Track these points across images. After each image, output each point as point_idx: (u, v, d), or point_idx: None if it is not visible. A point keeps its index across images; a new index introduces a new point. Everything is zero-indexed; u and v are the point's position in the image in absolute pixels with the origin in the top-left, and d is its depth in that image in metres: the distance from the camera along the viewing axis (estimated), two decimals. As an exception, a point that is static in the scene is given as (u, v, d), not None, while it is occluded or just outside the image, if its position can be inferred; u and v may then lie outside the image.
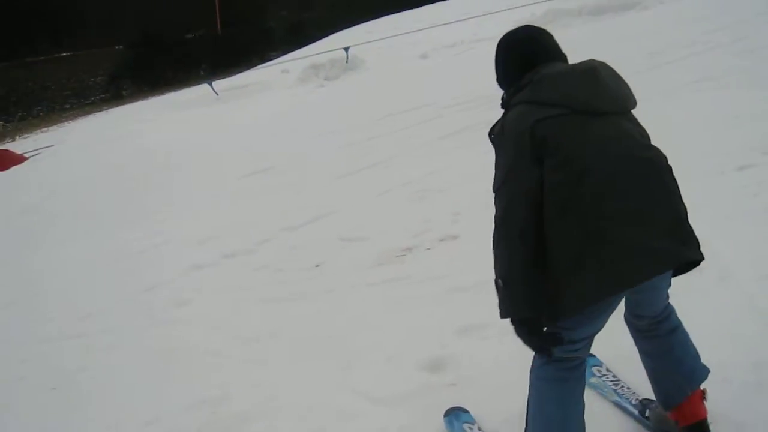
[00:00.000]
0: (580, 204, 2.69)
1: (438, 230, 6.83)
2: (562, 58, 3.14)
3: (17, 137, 36.62)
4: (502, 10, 23.25)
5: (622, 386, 3.82)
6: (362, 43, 23.87)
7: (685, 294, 4.45)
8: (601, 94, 2.86)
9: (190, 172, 12.61)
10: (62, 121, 39.37)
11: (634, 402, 3.66)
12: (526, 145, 2.74)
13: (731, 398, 3.48)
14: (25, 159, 21.92)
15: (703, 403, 3.20)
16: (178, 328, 6.09)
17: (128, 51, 62.73)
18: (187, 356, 5.49)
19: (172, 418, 4.57)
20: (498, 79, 3.21)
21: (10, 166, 20.62)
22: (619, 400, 3.73)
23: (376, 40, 24.95)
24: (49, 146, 23.50)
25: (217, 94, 23.48)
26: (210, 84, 24.44)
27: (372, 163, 9.97)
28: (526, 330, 2.84)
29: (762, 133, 7.04)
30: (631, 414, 3.64)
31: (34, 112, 61.49)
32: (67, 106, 61.57)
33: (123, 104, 41.48)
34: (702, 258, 2.94)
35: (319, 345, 5.10)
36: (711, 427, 3.27)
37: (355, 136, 12.00)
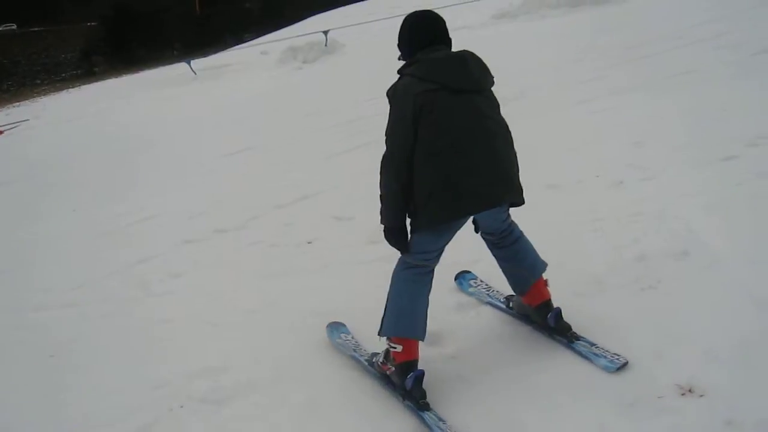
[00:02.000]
0: (437, 155, 3.80)
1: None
2: (448, 42, 4.11)
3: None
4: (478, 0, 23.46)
5: (493, 290, 5.08)
6: (340, 27, 23.94)
7: (676, 279, 4.66)
8: (465, 76, 3.89)
9: (173, 149, 12.67)
10: (34, 96, 38.95)
11: (501, 300, 4.91)
12: (408, 110, 3.81)
13: (723, 374, 3.68)
14: (1, 133, 21.81)
15: (546, 288, 4.38)
16: (175, 299, 6.18)
17: (100, 28, 61.95)
18: (186, 326, 5.58)
19: (178, 384, 4.66)
20: (398, 48, 4.16)
21: (-13, 137, 20.58)
22: (491, 300, 4.99)
23: (354, 25, 25.04)
24: (24, 120, 23.37)
25: (195, 74, 23.45)
26: (188, 63, 24.40)
27: (359, 144, 10.07)
28: (393, 235, 4.02)
29: (745, 125, 7.25)
30: (500, 308, 4.87)
31: (3, 87, 60.95)
32: (38, 81, 61.00)
33: (95, 81, 41.15)
34: (522, 202, 4.12)
35: (319, 318, 5.19)
36: (705, 401, 3.59)
37: (340, 117, 12.13)
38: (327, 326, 5.00)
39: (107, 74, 48.18)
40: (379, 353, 4.30)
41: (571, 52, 12.89)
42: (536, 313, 4.39)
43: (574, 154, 7.66)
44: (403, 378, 4.01)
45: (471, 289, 5.19)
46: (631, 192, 6.37)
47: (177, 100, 19.27)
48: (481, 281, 5.22)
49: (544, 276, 4.38)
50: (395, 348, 4.06)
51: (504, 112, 4.10)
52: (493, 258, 4.49)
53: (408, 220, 4.00)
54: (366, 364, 4.46)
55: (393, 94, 3.94)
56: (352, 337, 4.85)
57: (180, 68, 25.21)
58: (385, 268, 5.80)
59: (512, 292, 4.61)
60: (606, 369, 3.93)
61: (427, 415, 3.89)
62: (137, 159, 12.36)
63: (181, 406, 4.43)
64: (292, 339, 5.01)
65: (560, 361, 4.16)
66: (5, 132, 21.93)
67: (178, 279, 6.59)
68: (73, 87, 40.48)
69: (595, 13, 18.29)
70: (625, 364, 3.92)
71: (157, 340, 5.45)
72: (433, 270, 4.15)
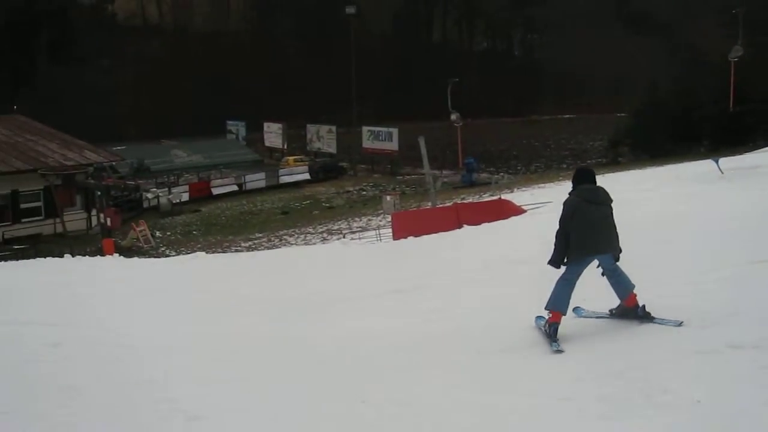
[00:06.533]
0: (580, 230, 8.16)
1: None
2: (593, 181, 8.42)
3: (515, 189, 38.32)
4: None
5: (597, 312, 8.85)
6: None
7: None
8: (596, 196, 8.28)
9: (688, 246, 12.08)
10: (559, 180, 40.46)
11: (605, 313, 8.71)
12: (569, 214, 8.28)
13: None
14: (524, 211, 22.92)
15: (635, 296, 8.28)
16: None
17: (630, 119, 62.77)
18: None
19: None
20: (571, 182, 8.64)
21: (510, 216, 21.72)
22: (599, 315, 8.78)
23: None
24: (548, 202, 24.30)
25: (722, 173, 22.71)
26: (716, 161, 23.74)
27: None
28: (555, 264, 8.40)
29: None
30: (605, 317, 8.68)
31: (532, 168, 64.66)
32: (564, 165, 63.83)
33: (619, 171, 41.69)
34: (617, 256, 8.27)
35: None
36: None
37: None
38: (535, 317, 8.77)
39: (631, 165, 48.73)
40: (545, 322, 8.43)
41: None
42: (632, 310, 8.34)
43: None
44: (549, 329, 8.27)
45: (583, 314, 8.93)
46: None
47: (699, 198, 18.73)
48: (588, 309, 8.94)
49: (634, 291, 8.29)
50: (549, 315, 8.33)
51: None
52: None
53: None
54: (540, 326, 8.57)
55: (565, 202, 8.43)
56: (544, 320, 8.48)
57: (706, 166, 24.62)
58: None
59: (610, 309, 8.65)
60: (672, 325, 7.94)
61: (553, 343, 8.14)
62: (663, 248, 12.00)
63: None
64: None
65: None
66: (528, 211, 23.03)
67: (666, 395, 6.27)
68: (597, 174, 41.45)
69: None
70: (681, 323, 7.91)
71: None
72: (575, 282, 8.29)
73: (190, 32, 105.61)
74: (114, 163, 52.04)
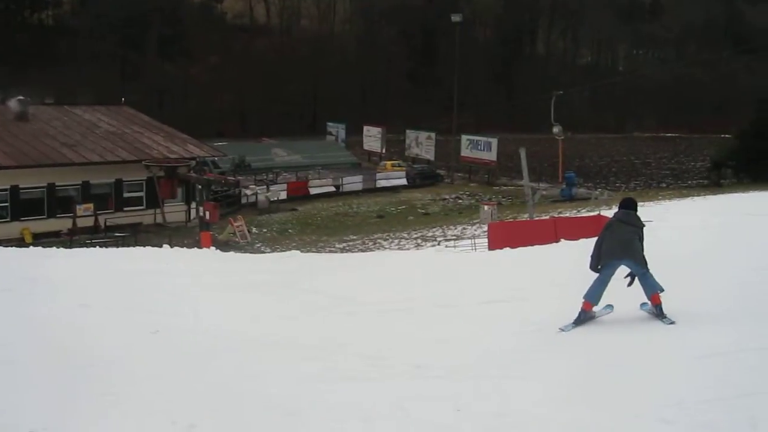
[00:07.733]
0: (608, 243, 10.39)
1: None
2: (628, 207, 10.64)
3: (614, 206, 37.59)
4: None
5: (650, 309, 10.50)
6: None
7: None
8: (628, 218, 10.47)
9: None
10: (658, 199, 39.81)
11: (654, 310, 10.34)
12: (604, 228, 10.77)
13: None
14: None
15: (659, 297, 10.16)
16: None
17: (735, 140, 61.34)
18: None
19: None
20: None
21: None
22: (652, 311, 10.40)
23: None
24: (648, 221, 23.92)
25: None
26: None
27: None
28: (593, 269, 10.47)
29: None
30: (654, 313, 10.32)
31: (631, 185, 63.70)
32: (664, 185, 62.72)
33: (721, 193, 40.84)
34: (635, 264, 10.23)
35: None
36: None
37: None
38: (640, 304, 10.51)
39: (733, 188, 47.62)
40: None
41: None
42: (656, 308, 10.17)
43: None
44: (580, 315, 10.34)
45: (646, 309, 10.45)
46: None
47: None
48: (646, 306, 10.51)
49: (659, 293, 10.11)
50: (583, 303, 10.32)
51: None
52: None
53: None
54: (646, 311, 10.43)
55: (607, 221, 11.14)
56: (649, 305, 10.41)
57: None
58: None
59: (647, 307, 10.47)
60: (666, 323, 9.97)
61: (572, 324, 10.31)
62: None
63: None
64: None
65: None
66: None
67: None
68: (697, 196, 40.59)
69: None
70: (673, 322, 9.91)
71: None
72: (607, 282, 10.27)
73: (296, 34, 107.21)
74: (215, 159, 53.15)
